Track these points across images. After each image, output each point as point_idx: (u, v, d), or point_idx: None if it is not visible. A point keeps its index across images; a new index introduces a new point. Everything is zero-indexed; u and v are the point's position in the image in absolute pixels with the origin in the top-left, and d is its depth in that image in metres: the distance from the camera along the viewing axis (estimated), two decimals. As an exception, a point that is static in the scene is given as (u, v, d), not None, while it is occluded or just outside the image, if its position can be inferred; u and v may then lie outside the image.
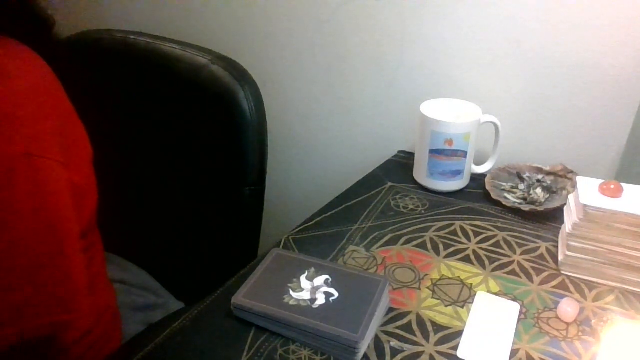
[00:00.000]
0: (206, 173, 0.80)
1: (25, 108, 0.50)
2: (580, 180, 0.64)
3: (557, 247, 0.67)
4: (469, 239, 0.69)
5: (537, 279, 0.62)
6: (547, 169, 0.81)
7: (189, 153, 0.82)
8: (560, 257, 0.64)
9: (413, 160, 0.83)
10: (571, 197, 0.66)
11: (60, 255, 0.52)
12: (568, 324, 0.56)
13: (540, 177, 0.80)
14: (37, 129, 0.51)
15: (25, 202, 0.49)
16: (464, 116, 0.78)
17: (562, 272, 0.63)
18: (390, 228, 0.71)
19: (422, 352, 0.52)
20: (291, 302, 0.54)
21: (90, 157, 0.62)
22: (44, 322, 0.52)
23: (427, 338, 0.54)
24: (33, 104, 0.51)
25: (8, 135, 0.48)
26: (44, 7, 0.60)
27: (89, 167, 0.62)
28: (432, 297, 0.59)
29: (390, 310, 0.57)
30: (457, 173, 0.78)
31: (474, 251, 0.67)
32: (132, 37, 0.85)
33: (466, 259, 0.65)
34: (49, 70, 0.56)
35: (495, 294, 0.60)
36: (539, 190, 0.77)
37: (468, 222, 0.73)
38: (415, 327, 0.55)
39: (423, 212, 0.75)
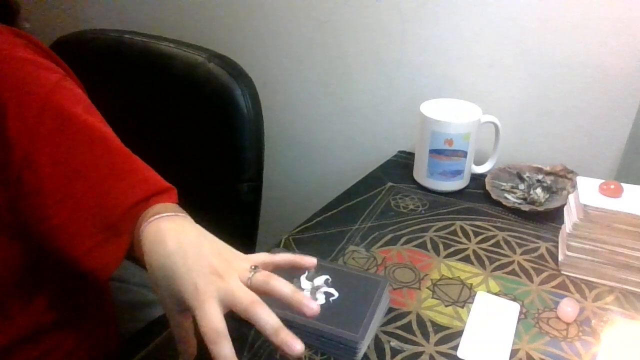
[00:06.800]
0: (204, 169, 0.80)
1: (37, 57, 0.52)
2: (580, 180, 0.64)
3: (557, 247, 0.67)
4: (469, 239, 0.69)
5: (537, 279, 0.62)
6: (547, 169, 0.81)
7: (186, 150, 0.81)
8: (560, 257, 0.64)
9: (413, 160, 0.83)
10: (571, 197, 0.66)
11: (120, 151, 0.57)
12: (568, 324, 0.56)
13: (540, 177, 0.80)
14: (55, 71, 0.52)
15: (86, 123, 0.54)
16: (464, 116, 0.78)
17: (562, 272, 0.63)
18: (390, 228, 0.71)
19: (422, 352, 0.52)
20: (291, 302, 0.54)
21: None
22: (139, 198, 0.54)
23: (427, 338, 0.54)
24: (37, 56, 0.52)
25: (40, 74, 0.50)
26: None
27: None
28: (432, 297, 0.59)
29: (390, 310, 0.57)
30: (457, 173, 0.78)
31: (474, 251, 0.67)
32: (127, 36, 0.85)
33: (466, 259, 0.65)
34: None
35: (495, 294, 0.60)
36: (539, 190, 0.76)
37: (468, 222, 0.73)
38: (415, 327, 0.55)
39: (423, 212, 0.75)
